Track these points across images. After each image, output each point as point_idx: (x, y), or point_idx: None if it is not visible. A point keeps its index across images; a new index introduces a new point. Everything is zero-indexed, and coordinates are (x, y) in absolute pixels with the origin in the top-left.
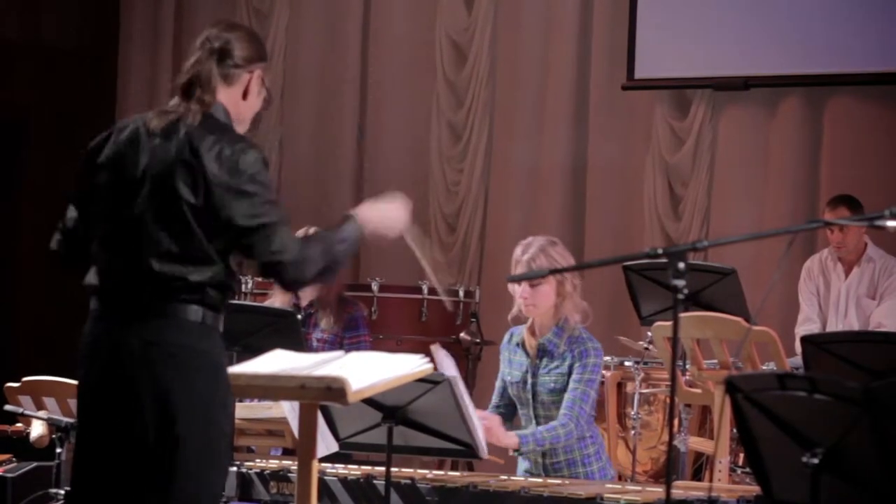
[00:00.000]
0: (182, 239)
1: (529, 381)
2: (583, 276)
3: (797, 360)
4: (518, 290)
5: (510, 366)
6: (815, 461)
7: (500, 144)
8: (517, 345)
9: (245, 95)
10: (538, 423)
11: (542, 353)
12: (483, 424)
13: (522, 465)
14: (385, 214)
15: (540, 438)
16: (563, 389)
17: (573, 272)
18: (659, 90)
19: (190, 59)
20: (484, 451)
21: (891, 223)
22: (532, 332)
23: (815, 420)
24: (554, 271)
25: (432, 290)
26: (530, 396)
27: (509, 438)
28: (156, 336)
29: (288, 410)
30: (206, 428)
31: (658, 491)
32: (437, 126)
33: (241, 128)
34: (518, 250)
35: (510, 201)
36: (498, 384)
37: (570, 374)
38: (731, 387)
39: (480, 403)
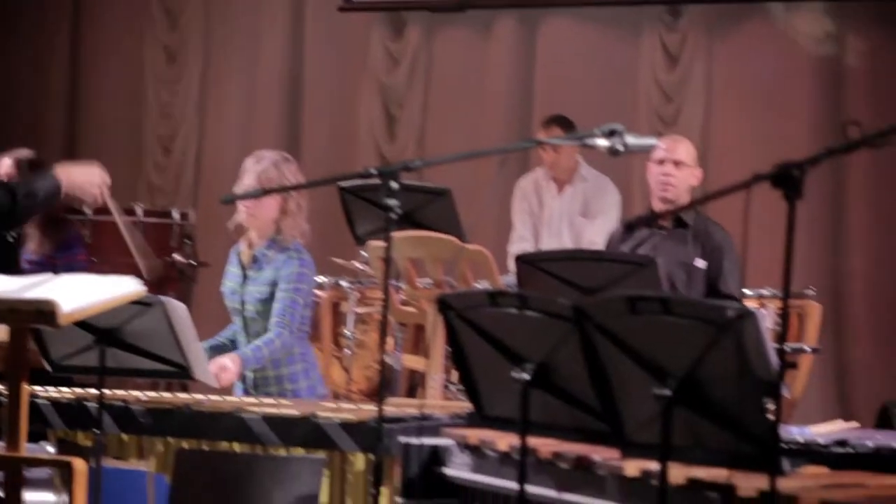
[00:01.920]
0: None
1: (240, 291)
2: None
3: (511, 278)
4: None
5: (227, 277)
6: (525, 377)
7: (216, 65)
8: (236, 257)
9: None
10: (248, 333)
11: (254, 263)
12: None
13: (239, 386)
14: (84, 175)
15: (259, 356)
16: (269, 300)
17: (300, 192)
18: (375, 12)
19: None
20: (202, 374)
21: (601, 142)
22: (249, 243)
23: (525, 337)
24: (267, 191)
25: (148, 213)
26: (240, 306)
27: (235, 365)
28: None
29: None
30: None
31: (371, 409)
32: (151, 48)
33: None
34: (250, 160)
35: (226, 122)
36: None
37: (276, 284)
38: (443, 305)
39: (196, 325)
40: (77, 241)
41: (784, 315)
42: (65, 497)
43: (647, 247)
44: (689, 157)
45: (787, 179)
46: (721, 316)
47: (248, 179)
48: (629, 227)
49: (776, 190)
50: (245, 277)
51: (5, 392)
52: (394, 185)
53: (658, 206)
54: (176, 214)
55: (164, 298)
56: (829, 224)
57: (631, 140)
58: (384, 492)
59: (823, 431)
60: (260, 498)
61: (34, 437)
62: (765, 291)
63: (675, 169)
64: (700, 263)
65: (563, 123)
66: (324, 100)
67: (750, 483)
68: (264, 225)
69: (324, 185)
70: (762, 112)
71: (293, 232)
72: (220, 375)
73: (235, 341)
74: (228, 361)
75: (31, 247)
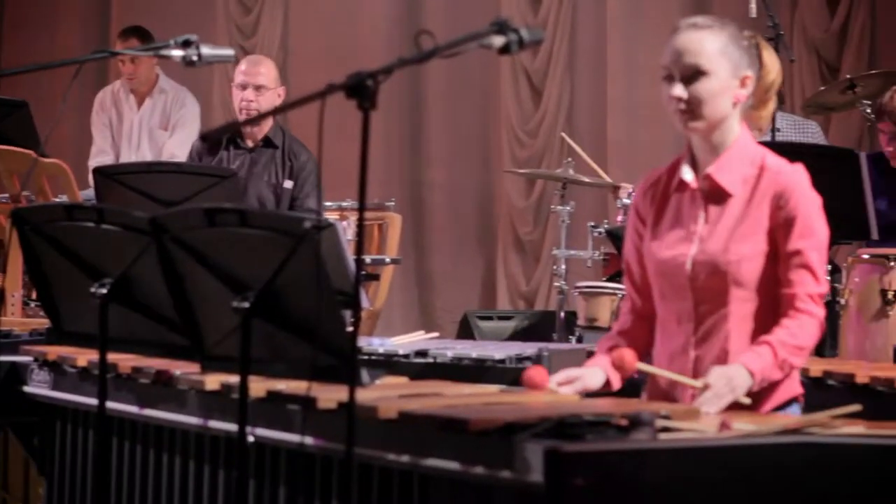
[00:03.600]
0: None
1: None
2: None
3: (91, 192)
4: None
5: None
6: (104, 291)
7: None
8: None
9: None
10: None
11: None
12: None
13: None
14: None
15: None
16: None
17: None
18: None
19: None
20: None
21: (177, 53)
22: None
23: (104, 251)
24: None
25: None
26: None
27: None
28: None
29: None
30: None
31: None
32: None
33: None
34: None
35: None
36: None
37: None
38: (18, 219)
39: None
40: None
41: (360, 226)
42: None
43: (237, 166)
44: (269, 80)
45: (360, 89)
46: (298, 227)
47: None
48: (204, 138)
49: (351, 100)
50: None
51: None
52: None
53: (244, 132)
54: None
55: None
56: (409, 136)
57: (206, 51)
58: None
59: (404, 342)
60: None
61: None
62: (345, 203)
63: (255, 94)
64: (288, 184)
65: (141, 34)
66: None
67: (329, 395)
68: None
69: None
70: (340, 22)
71: None
72: None
73: None
74: None
75: None
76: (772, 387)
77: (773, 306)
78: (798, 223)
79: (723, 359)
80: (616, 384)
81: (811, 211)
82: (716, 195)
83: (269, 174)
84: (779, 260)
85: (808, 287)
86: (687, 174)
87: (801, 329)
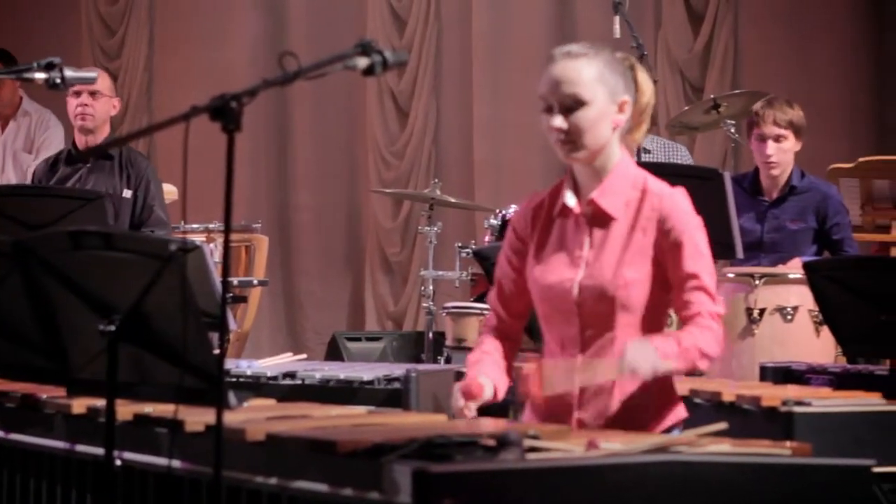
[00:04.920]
0: None
1: None
2: None
3: None
4: None
5: None
6: None
7: None
8: None
9: None
10: None
11: None
12: None
13: None
14: None
15: None
16: None
17: None
18: None
19: None
20: None
21: (39, 75)
22: None
23: None
24: None
25: None
26: None
27: None
28: None
29: None
30: None
31: None
32: None
33: None
34: None
35: None
36: None
37: None
38: None
39: None
40: None
41: (226, 248)
42: None
43: (74, 181)
44: (104, 88)
45: (224, 111)
46: (164, 250)
47: None
48: (78, 157)
49: (216, 122)
50: None
51: None
52: None
53: (80, 140)
54: None
55: None
56: (276, 157)
57: (70, 73)
58: None
59: (272, 364)
60: None
61: None
62: (212, 225)
63: (90, 99)
64: (127, 194)
65: (3, 57)
66: None
67: (197, 417)
68: None
69: None
70: (205, 44)
71: None
72: None
73: None
74: None
75: None
76: (657, 413)
77: (657, 330)
78: (686, 247)
79: (608, 382)
80: (500, 394)
81: (695, 233)
82: (599, 219)
83: (108, 185)
84: (672, 285)
85: (707, 307)
86: (570, 199)
87: (702, 335)
